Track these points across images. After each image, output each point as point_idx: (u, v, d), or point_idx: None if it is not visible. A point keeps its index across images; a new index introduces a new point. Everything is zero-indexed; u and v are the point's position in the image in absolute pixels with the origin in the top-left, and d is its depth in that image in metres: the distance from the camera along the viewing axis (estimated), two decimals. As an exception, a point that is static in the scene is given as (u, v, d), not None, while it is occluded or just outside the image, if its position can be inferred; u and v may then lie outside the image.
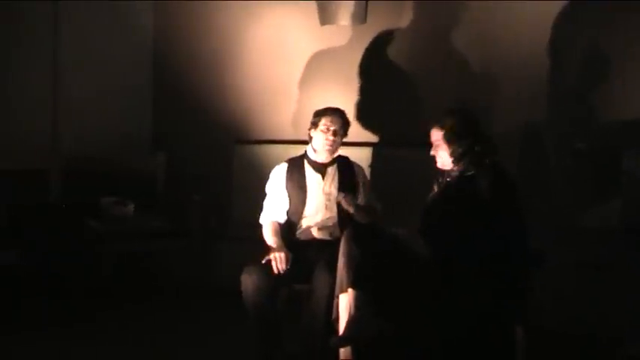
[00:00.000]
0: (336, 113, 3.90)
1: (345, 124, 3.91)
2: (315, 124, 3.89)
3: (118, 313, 4.58)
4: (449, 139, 3.34)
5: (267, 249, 3.74)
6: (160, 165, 5.27)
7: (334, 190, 3.87)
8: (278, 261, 3.60)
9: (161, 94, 5.60)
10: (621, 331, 3.89)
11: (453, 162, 3.36)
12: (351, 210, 3.79)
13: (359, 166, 4.05)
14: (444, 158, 3.39)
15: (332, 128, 3.85)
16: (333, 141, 3.86)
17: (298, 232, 3.87)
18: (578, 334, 3.98)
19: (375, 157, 4.74)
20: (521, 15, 4.62)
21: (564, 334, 3.95)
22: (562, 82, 4.57)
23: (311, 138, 3.94)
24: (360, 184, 3.97)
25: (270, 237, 3.83)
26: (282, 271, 3.59)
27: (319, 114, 3.91)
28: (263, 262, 3.62)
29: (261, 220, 3.94)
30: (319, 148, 3.89)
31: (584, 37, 4.48)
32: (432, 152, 3.44)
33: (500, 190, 3.24)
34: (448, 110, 3.41)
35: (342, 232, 3.54)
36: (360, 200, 3.91)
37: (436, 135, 3.40)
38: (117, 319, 4.49)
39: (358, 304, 3.20)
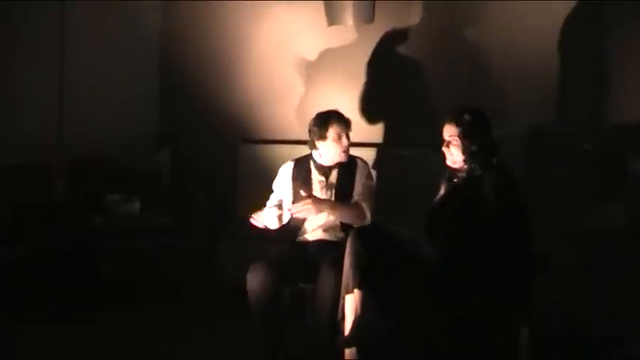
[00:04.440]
0: (341, 118, 3.81)
1: (349, 124, 3.83)
2: (322, 137, 3.77)
3: (122, 309, 4.59)
4: (465, 136, 3.29)
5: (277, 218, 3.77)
6: (166, 163, 5.29)
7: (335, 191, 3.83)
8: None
9: (167, 92, 5.61)
10: (621, 331, 3.88)
11: (464, 160, 3.31)
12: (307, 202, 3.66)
13: (364, 163, 3.94)
14: (455, 155, 3.33)
15: (344, 134, 3.78)
16: (348, 145, 3.80)
17: (303, 232, 3.86)
18: (579, 335, 3.98)
19: (381, 157, 4.74)
20: (530, 16, 4.61)
21: (564, 334, 3.94)
22: (568, 83, 4.56)
23: (316, 148, 3.82)
24: (358, 181, 3.86)
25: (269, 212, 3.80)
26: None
27: (324, 124, 3.78)
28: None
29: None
30: (333, 157, 3.80)
31: (592, 38, 4.47)
32: (444, 148, 3.38)
33: (507, 191, 3.23)
34: (465, 108, 3.38)
35: (346, 233, 3.51)
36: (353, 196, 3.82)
37: (451, 131, 3.33)
38: (121, 315, 4.50)
39: (364, 305, 3.20)
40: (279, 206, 3.84)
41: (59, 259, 4.61)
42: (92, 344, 4.02)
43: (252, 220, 3.74)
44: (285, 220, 3.82)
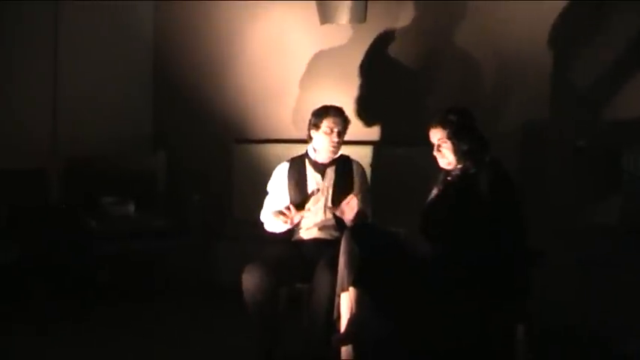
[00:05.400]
0: (338, 113, 3.86)
1: (346, 123, 3.88)
2: (316, 126, 3.84)
3: (118, 311, 4.59)
4: (454, 137, 3.32)
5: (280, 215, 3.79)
6: (161, 164, 5.27)
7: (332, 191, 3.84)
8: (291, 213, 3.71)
9: (161, 93, 5.60)
10: (617, 329, 3.89)
11: (457, 160, 3.33)
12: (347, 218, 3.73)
13: (359, 165, 4.00)
14: (448, 157, 3.36)
15: (336, 130, 3.82)
16: (338, 142, 3.84)
17: (299, 231, 3.86)
18: (575, 333, 3.98)
19: (375, 156, 4.74)
20: (522, 14, 4.62)
21: (560, 332, 3.95)
22: (563, 80, 4.57)
23: (311, 138, 3.90)
24: (357, 184, 3.91)
25: (273, 215, 3.83)
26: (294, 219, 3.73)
27: (320, 115, 3.85)
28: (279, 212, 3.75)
29: (262, 217, 3.93)
30: (323, 149, 3.86)
31: (586, 36, 4.48)
32: (435, 153, 3.40)
33: (501, 187, 3.24)
34: (449, 109, 3.40)
35: (342, 231, 3.51)
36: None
37: (439, 134, 3.36)
38: (116, 317, 4.49)
39: (359, 303, 3.20)
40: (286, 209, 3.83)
41: (55, 261, 4.61)
42: (88, 345, 4.01)
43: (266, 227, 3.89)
44: (295, 221, 3.82)
